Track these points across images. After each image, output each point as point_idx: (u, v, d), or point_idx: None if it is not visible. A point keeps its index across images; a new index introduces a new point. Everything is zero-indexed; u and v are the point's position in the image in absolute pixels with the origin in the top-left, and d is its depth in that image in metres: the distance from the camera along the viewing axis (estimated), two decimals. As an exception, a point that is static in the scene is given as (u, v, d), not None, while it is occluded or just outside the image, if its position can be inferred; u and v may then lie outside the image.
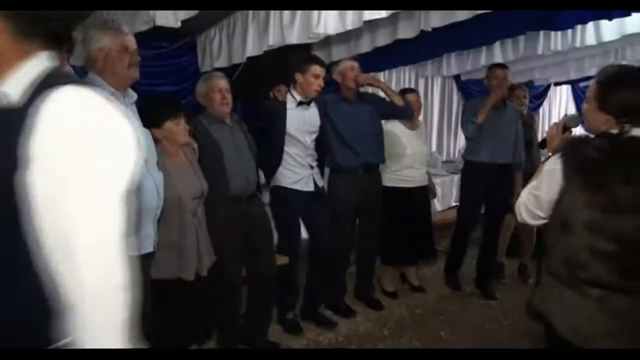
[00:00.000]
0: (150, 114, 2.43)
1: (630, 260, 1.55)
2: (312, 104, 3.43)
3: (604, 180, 1.57)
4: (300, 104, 3.35)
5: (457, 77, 6.95)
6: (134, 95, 2.24)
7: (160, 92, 4.14)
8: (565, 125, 1.98)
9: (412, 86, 6.42)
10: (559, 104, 9.07)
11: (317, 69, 3.33)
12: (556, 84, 8.08)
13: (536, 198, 1.73)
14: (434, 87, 7.13)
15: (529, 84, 7.15)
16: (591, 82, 1.77)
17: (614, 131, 1.63)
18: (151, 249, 2.23)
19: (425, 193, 4.19)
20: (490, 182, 4.06)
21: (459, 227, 4.35)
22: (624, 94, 1.65)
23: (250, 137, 3.17)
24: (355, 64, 3.70)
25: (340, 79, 3.69)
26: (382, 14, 2.93)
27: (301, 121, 3.36)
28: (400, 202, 3.91)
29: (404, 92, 4.18)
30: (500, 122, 4.07)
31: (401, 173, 3.96)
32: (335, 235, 3.54)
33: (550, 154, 1.86)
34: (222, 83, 2.98)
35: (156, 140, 2.47)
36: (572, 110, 9.25)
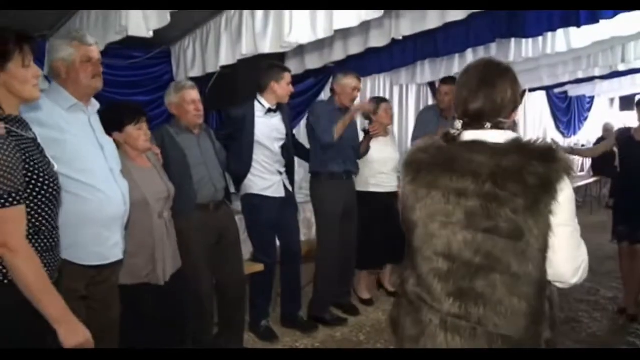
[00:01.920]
0: (112, 119, 2.43)
1: (463, 280, 1.33)
2: (278, 112, 3.48)
3: (432, 188, 1.38)
4: (268, 111, 3.40)
5: (431, 85, 7.03)
6: (96, 105, 2.23)
7: (135, 101, 4.14)
8: None
9: (387, 93, 6.51)
10: (534, 109, 9.22)
11: (289, 77, 3.45)
12: (531, 90, 8.21)
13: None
14: (409, 95, 7.19)
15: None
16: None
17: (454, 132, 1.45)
18: (120, 257, 2.21)
19: (396, 198, 4.24)
20: None
21: None
22: (458, 90, 1.48)
23: (218, 145, 3.18)
24: (359, 85, 3.87)
25: (340, 92, 3.79)
26: (354, 22, 2.98)
27: (269, 128, 3.41)
28: (371, 206, 3.98)
29: (376, 100, 4.27)
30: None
31: (372, 178, 4.04)
32: (330, 234, 3.69)
33: None
34: (194, 94, 2.99)
35: (118, 146, 2.45)
36: (547, 116, 9.42)
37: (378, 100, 4.26)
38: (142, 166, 2.58)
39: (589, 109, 10.41)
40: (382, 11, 2.99)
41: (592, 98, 10.35)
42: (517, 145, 1.35)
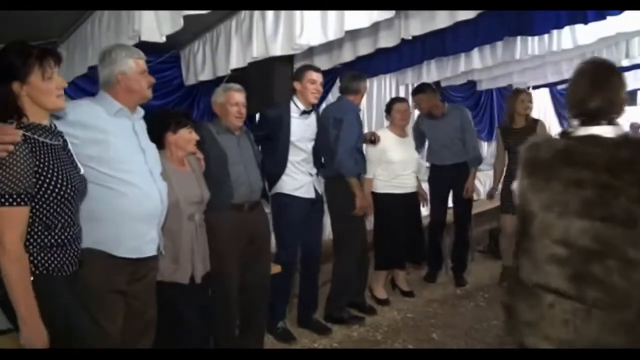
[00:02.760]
0: (167, 121, 2.64)
1: (580, 265, 1.45)
2: (313, 112, 3.52)
3: (550, 181, 1.51)
4: (303, 112, 3.43)
5: (437, 84, 7.04)
6: (141, 112, 2.37)
7: (146, 106, 4.15)
8: None
9: (393, 93, 6.53)
10: (538, 106, 9.21)
11: (312, 75, 3.45)
12: (535, 87, 8.21)
13: (514, 192, 1.74)
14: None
15: (508, 88, 7.29)
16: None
17: (569, 130, 1.59)
18: (154, 253, 2.32)
19: (415, 199, 4.27)
20: (451, 180, 4.65)
21: (431, 223, 4.77)
22: (574, 91, 1.61)
23: (256, 147, 3.23)
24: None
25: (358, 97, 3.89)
26: (365, 23, 2.99)
27: (304, 129, 3.45)
28: (391, 208, 3.99)
29: (391, 101, 4.29)
30: (442, 130, 4.68)
31: (393, 180, 4.05)
32: (351, 236, 3.74)
33: None
34: (240, 97, 3.05)
35: (164, 147, 2.62)
36: (551, 112, 9.41)
37: (392, 101, 4.28)
38: (181, 170, 2.68)
39: (592, 105, 10.41)
40: (393, 11, 3.01)
41: (595, 94, 10.35)
42: (629, 139, 1.47)
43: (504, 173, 4.68)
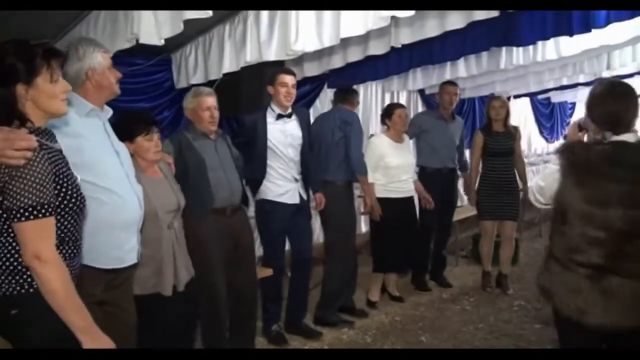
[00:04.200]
0: (123, 128, 2.45)
1: (616, 244, 1.84)
2: (293, 117, 3.50)
3: (594, 179, 1.86)
4: (280, 117, 3.43)
5: (421, 91, 7.14)
6: (109, 111, 2.27)
7: (136, 108, 4.16)
8: (580, 125, 2.24)
9: (379, 100, 6.60)
10: (519, 115, 9.38)
11: (285, 78, 3.46)
12: (516, 97, 8.37)
13: (541, 188, 2.10)
14: (399, 101, 7.27)
15: (490, 97, 7.43)
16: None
17: (598, 137, 1.97)
18: (135, 261, 2.25)
19: (412, 203, 4.32)
20: (442, 185, 4.69)
21: (422, 228, 4.62)
22: (605, 107, 1.97)
23: (235, 151, 3.22)
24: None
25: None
26: (361, 30, 3.04)
27: (283, 134, 3.45)
28: (389, 212, 4.04)
29: (392, 107, 4.36)
30: (449, 133, 4.75)
31: (390, 184, 4.11)
32: (342, 240, 3.80)
33: None
34: (211, 101, 3.05)
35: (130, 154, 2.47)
36: (531, 121, 9.60)
37: (393, 106, 4.35)
38: (152, 177, 2.59)
39: (570, 115, 10.62)
40: (389, 20, 3.06)
41: (573, 104, 10.57)
42: None
43: (479, 180, 4.79)
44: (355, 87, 6.13)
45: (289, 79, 3.47)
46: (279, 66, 4.51)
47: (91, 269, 2.03)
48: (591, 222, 1.86)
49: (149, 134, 2.55)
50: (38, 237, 1.51)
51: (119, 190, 2.10)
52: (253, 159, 3.40)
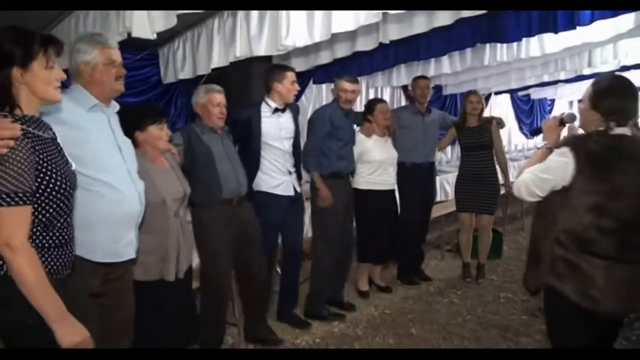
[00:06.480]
0: (135, 118, 2.51)
1: (627, 235, 1.91)
2: (287, 110, 3.56)
3: (607, 171, 1.92)
4: (275, 110, 3.47)
5: (404, 88, 7.20)
6: (116, 106, 2.27)
7: (124, 103, 4.11)
8: (563, 120, 2.29)
9: (363, 95, 6.62)
10: (499, 112, 9.50)
11: (293, 76, 3.53)
12: (497, 93, 8.49)
13: (543, 181, 2.04)
14: (383, 97, 7.33)
15: (467, 92, 7.51)
16: (587, 86, 2.13)
17: (602, 128, 1.99)
18: (133, 256, 2.26)
19: (393, 196, 4.37)
20: (422, 180, 4.72)
21: (406, 222, 4.58)
22: (613, 99, 2.01)
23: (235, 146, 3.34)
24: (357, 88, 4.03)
25: (341, 96, 3.94)
26: (352, 26, 3.05)
27: (277, 128, 3.49)
28: (372, 203, 4.10)
29: (373, 102, 4.36)
30: (426, 127, 4.75)
31: (373, 177, 4.15)
32: (330, 233, 3.82)
33: (545, 142, 2.25)
34: (221, 97, 3.17)
35: (137, 145, 2.51)
36: (511, 118, 9.74)
37: (374, 101, 4.36)
38: (160, 166, 2.65)
39: (549, 111, 10.82)
40: (380, 15, 3.08)
41: (552, 101, 10.77)
42: None
43: (457, 174, 4.91)
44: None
45: (294, 77, 3.57)
46: (267, 62, 4.55)
47: (87, 262, 2.04)
48: (603, 213, 1.91)
49: (160, 124, 2.64)
50: (11, 225, 1.52)
51: (118, 185, 2.11)
52: (247, 153, 3.43)
